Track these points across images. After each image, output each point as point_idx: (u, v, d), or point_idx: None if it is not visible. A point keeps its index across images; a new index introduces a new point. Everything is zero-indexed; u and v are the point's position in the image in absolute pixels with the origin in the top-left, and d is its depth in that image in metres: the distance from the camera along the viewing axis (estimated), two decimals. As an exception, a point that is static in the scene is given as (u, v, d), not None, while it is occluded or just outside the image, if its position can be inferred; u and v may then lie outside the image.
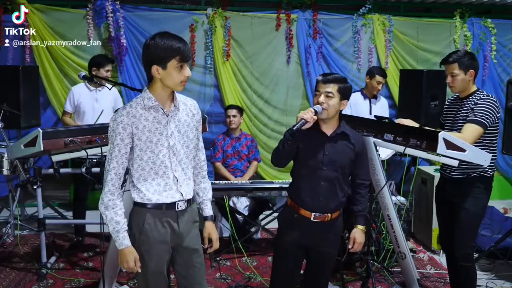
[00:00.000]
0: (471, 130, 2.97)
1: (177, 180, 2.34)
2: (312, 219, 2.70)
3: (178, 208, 2.35)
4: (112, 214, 2.25)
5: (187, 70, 2.21)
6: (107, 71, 4.50)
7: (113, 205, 2.25)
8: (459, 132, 3.05)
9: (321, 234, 2.74)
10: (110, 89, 4.32)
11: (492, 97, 3.10)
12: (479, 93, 3.14)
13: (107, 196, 2.25)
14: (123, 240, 2.26)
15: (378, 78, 4.90)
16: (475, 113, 3.02)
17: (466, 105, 3.14)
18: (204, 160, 2.52)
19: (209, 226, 2.54)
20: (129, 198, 2.37)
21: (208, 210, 2.55)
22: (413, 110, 5.00)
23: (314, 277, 2.87)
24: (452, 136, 2.80)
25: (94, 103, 4.59)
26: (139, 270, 2.29)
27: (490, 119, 3.01)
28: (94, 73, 4.38)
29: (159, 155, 2.28)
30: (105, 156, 3.21)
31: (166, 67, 2.17)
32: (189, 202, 2.41)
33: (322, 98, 2.64)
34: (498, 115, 3.06)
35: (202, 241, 2.52)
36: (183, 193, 2.35)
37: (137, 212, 2.33)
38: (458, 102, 3.23)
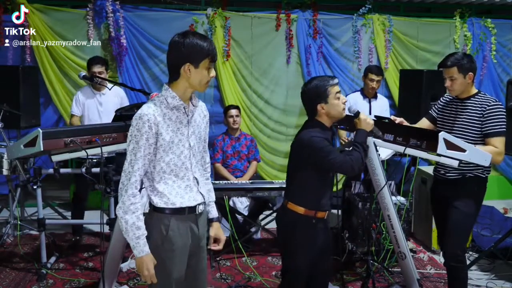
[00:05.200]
0: (502, 143, 3.01)
1: (197, 182, 2.30)
2: (325, 217, 2.76)
3: (198, 211, 2.30)
4: (134, 218, 2.11)
5: (213, 71, 2.18)
6: (97, 72, 4.38)
7: (135, 209, 2.12)
8: (465, 134, 3.06)
9: (328, 231, 2.83)
10: (110, 89, 4.30)
11: (497, 101, 3.08)
12: (481, 95, 3.11)
13: (129, 200, 2.12)
14: (143, 247, 2.13)
15: (371, 75, 4.90)
16: (494, 124, 3.01)
17: (469, 106, 3.10)
18: (208, 162, 2.49)
19: (217, 227, 2.49)
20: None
21: (214, 212, 2.50)
22: (413, 110, 5.00)
23: (323, 273, 2.91)
24: (459, 140, 2.82)
25: (98, 106, 4.62)
26: (155, 281, 2.17)
27: (505, 124, 3.04)
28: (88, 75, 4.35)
29: (180, 157, 2.21)
30: (104, 156, 3.26)
31: (198, 66, 2.13)
32: (205, 204, 2.36)
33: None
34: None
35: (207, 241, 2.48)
36: (204, 195, 2.32)
37: (159, 219, 2.22)
38: (457, 103, 3.19)
